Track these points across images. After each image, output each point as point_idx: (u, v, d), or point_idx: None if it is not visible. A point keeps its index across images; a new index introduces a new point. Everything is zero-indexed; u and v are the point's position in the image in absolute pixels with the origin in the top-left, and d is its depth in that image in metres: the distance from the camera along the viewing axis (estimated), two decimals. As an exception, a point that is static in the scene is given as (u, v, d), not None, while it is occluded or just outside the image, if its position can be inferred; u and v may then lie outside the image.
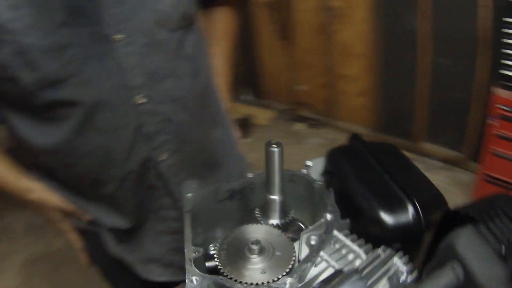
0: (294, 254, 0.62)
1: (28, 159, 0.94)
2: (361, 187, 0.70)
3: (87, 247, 1.07)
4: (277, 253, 0.63)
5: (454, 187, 2.79)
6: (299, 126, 3.89)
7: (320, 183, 0.75)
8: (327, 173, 0.80)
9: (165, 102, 0.88)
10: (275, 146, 0.66)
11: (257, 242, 0.63)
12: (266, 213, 0.72)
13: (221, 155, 1.13)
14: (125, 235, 1.03)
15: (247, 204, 0.79)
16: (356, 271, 0.53)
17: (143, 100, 0.84)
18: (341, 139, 3.53)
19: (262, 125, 4.00)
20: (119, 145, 0.86)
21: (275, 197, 0.70)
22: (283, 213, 0.72)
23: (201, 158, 1.06)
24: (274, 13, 3.55)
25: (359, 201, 0.69)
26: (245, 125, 3.93)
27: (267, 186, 0.70)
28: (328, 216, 0.66)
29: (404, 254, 0.62)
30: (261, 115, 4.08)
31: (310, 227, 0.66)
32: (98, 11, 0.75)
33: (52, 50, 0.72)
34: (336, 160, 0.78)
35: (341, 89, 3.47)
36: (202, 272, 0.61)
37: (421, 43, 2.65)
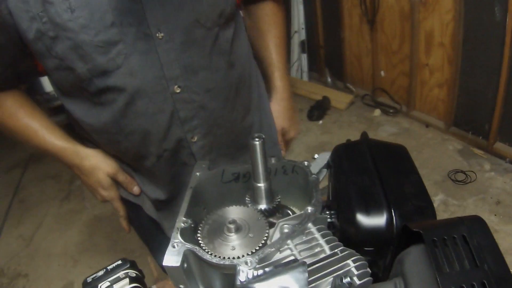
0: (265, 238, 0.66)
1: (83, 134, 1.07)
2: (349, 185, 0.71)
3: (129, 214, 1.19)
4: (250, 235, 0.67)
5: (516, 192, 2.56)
6: (376, 113, 3.76)
7: (315, 176, 0.76)
8: (328, 167, 0.81)
9: (198, 92, 0.96)
10: (257, 139, 0.69)
11: (233, 221, 0.67)
12: (254, 199, 0.75)
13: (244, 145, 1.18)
14: (162, 204, 1.15)
15: (251, 187, 0.83)
16: (303, 263, 0.55)
17: (179, 90, 0.95)
18: (415, 129, 3.40)
19: (339, 109, 3.93)
20: (157, 127, 0.96)
21: (261, 184, 0.73)
22: (270, 199, 0.75)
23: (231, 141, 1.13)
24: (362, -4, 3.42)
25: (342, 199, 0.70)
26: (322, 107, 3.90)
27: (253, 175, 0.73)
28: (309, 209, 0.68)
29: (374, 259, 0.63)
30: (340, 98, 4.01)
31: (289, 216, 0.69)
32: (143, 12, 0.83)
33: (102, 46, 0.82)
34: (338, 156, 0.79)
35: (422, 78, 3.29)
36: (188, 241, 0.67)
37: (510, 37, 2.41)
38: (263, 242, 0.65)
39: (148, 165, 1.03)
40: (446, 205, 2.59)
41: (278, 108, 1.24)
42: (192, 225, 0.72)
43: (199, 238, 0.68)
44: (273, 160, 0.83)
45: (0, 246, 3.07)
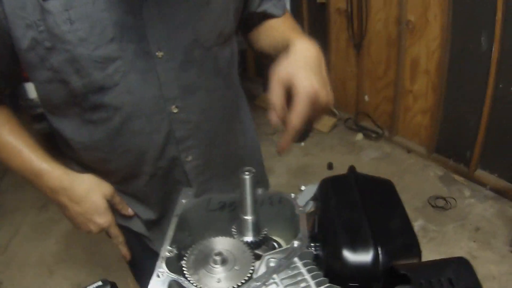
0: (250, 271, 0.65)
1: (67, 151, 1.01)
2: (336, 220, 0.70)
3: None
4: (236, 267, 0.66)
5: (498, 219, 2.60)
6: (358, 137, 3.80)
7: (301, 209, 0.76)
8: (315, 200, 0.81)
9: (195, 112, 0.94)
10: (247, 173, 0.69)
11: (220, 253, 0.66)
12: (241, 231, 0.74)
13: (244, 160, 1.17)
14: (153, 224, 1.12)
15: (237, 217, 0.82)
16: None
17: (176, 110, 0.93)
18: (397, 154, 3.43)
19: (322, 131, 3.96)
20: (152, 146, 0.93)
21: (248, 217, 0.73)
22: (256, 231, 0.74)
23: (225, 161, 1.11)
24: (349, 21, 3.48)
25: (329, 233, 0.69)
26: (304, 129, 3.90)
27: (241, 208, 0.73)
28: (295, 243, 0.68)
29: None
30: (323, 121, 4.03)
31: (275, 250, 0.68)
32: (144, 29, 0.80)
33: (100, 61, 0.79)
34: (325, 189, 0.79)
35: (405, 104, 3.34)
36: (173, 270, 0.66)
37: (494, 67, 2.47)
38: (248, 275, 0.64)
39: (140, 184, 1.00)
40: (425, 230, 2.61)
41: (304, 63, 0.74)
42: (177, 253, 0.71)
43: (184, 269, 0.67)
44: (260, 191, 0.83)
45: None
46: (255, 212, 0.73)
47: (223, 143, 1.05)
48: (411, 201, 2.84)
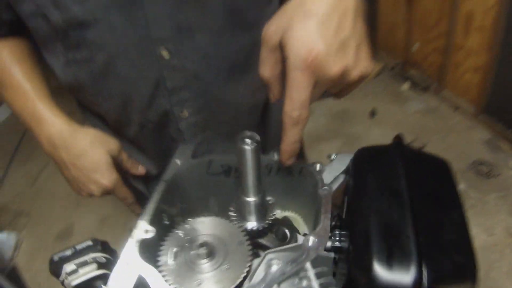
0: (243, 275, 0.47)
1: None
2: (370, 213, 0.50)
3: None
4: (226, 265, 0.48)
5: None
6: (404, 86, 3.48)
7: (326, 189, 0.56)
8: (347, 174, 0.60)
9: (193, 58, 0.76)
10: (249, 142, 0.48)
11: (205, 244, 0.49)
12: (241, 213, 0.56)
13: (255, 122, 0.96)
14: (152, 179, 0.96)
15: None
16: None
17: (167, 55, 0.74)
18: (443, 110, 3.12)
19: (365, 78, 3.64)
20: (139, 95, 0.79)
21: (250, 199, 0.53)
22: (261, 215, 0.55)
23: (228, 123, 0.91)
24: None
25: (358, 229, 0.50)
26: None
27: (241, 187, 0.53)
28: (310, 240, 0.49)
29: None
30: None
31: (281, 247, 0.49)
32: None
33: None
34: (361, 164, 0.58)
35: (456, 59, 2.98)
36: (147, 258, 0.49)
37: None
38: (240, 280, 0.46)
39: (131, 134, 0.87)
40: (465, 197, 2.37)
41: (306, 11, 0.47)
42: (156, 235, 0.54)
43: (159, 260, 0.50)
44: (275, 156, 0.63)
45: (6, 183, 2.99)
46: (260, 193, 0.53)
47: (232, 98, 0.85)
48: (454, 162, 2.55)
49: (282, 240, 0.57)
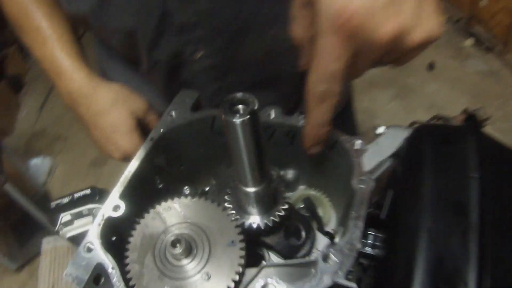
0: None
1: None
2: (420, 231, 0.33)
3: None
4: (204, 274, 0.33)
5: None
6: (467, 43, 3.10)
7: (364, 179, 0.39)
8: (399, 159, 0.42)
9: None
10: (239, 110, 0.31)
11: (180, 241, 0.34)
12: (240, 205, 0.39)
13: (294, 68, 0.79)
14: None
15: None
16: None
17: None
18: (506, 75, 2.76)
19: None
20: (142, 30, 0.67)
21: (249, 189, 0.36)
22: (266, 208, 0.39)
23: (257, 67, 0.74)
24: None
25: (401, 252, 0.33)
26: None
27: (235, 173, 0.37)
28: (329, 259, 0.33)
29: None
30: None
31: (286, 262, 0.33)
32: None
33: None
34: (419, 150, 0.40)
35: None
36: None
37: None
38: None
39: (143, 72, 0.76)
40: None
41: None
42: (129, 211, 0.40)
43: (126, 251, 0.36)
44: (301, 120, 0.46)
45: (46, 108, 2.98)
46: (262, 179, 0.37)
47: (260, 36, 0.68)
48: (509, 133, 2.29)
49: (294, 242, 0.41)
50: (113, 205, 0.40)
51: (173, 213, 0.39)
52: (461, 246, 0.31)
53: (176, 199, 0.40)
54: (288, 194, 0.56)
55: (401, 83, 2.72)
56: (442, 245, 0.32)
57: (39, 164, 2.33)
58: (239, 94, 0.31)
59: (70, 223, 0.74)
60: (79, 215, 0.66)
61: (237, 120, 0.30)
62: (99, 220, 0.40)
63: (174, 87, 0.74)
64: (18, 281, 1.96)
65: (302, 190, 0.56)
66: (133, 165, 0.44)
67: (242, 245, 0.35)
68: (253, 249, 0.40)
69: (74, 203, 0.72)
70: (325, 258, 0.33)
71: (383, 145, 0.42)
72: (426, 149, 0.37)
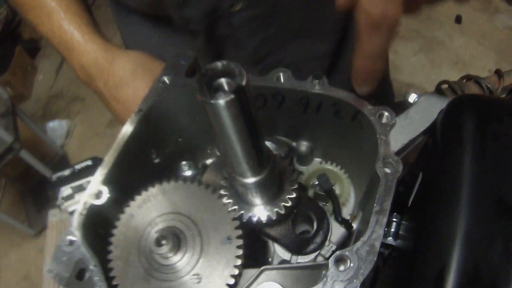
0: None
1: None
2: (456, 229, 0.26)
3: None
4: (194, 276, 0.28)
5: None
6: (498, -6, 2.87)
7: (391, 165, 0.31)
8: (432, 137, 0.35)
9: None
10: (224, 88, 0.25)
11: (166, 237, 0.28)
12: (240, 195, 0.33)
13: (321, 16, 0.72)
14: None
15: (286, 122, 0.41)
16: None
17: None
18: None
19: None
20: None
21: (247, 180, 0.30)
22: (270, 197, 0.32)
23: (291, 15, 0.68)
24: None
25: (432, 251, 0.27)
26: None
27: (227, 163, 0.30)
28: (344, 266, 0.26)
29: None
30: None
31: (289, 265, 0.27)
32: None
33: None
34: (459, 127, 0.32)
35: None
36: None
37: None
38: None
39: (177, 35, 0.72)
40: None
41: None
42: (115, 196, 0.34)
43: (109, 245, 0.31)
44: (316, 85, 0.38)
45: (62, 70, 2.93)
46: (263, 166, 0.30)
47: None
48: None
49: (303, 233, 0.34)
50: (95, 191, 0.34)
51: (161, 201, 0.33)
52: (503, 256, 0.25)
53: (165, 183, 0.34)
54: (301, 168, 0.50)
55: (427, 35, 2.55)
56: (480, 253, 0.25)
57: (56, 127, 2.32)
58: (220, 64, 0.24)
59: (71, 197, 0.71)
60: (80, 189, 0.65)
61: (220, 102, 0.23)
62: (80, 208, 0.34)
63: (212, 45, 0.68)
64: (37, 246, 2.00)
65: (317, 164, 0.49)
66: (120, 142, 0.38)
67: (240, 242, 0.29)
68: (255, 242, 0.34)
69: (75, 175, 0.70)
70: (338, 262, 0.27)
71: (414, 118, 0.34)
72: (467, 127, 0.29)
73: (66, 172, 0.75)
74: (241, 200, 0.32)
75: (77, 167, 0.75)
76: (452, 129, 0.30)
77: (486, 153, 0.28)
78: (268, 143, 0.37)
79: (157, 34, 0.71)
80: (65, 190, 0.69)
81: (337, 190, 0.47)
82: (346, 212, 0.44)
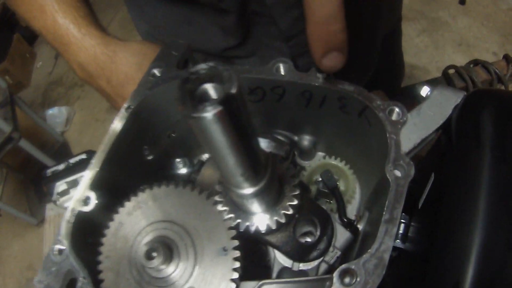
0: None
1: None
2: (478, 231, 0.24)
3: None
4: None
5: None
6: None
7: (399, 174, 0.29)
8: (446, 134, 0.32)
9: None
10: (211, 97, 0.21)
11: (155, 249, 0.26)
12: (235, 203, 0.30)
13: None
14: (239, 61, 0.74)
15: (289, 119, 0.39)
16: None
17: None
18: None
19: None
20: None
21: (245, 191, 0.27)
22: (270, 204, 0.30)
23: None
24: None
25: (449, 260, 0.24)
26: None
27: (221, 175, 0.27)
28: (349, 280, 0.24)
29: None
30: None
31: (290, 280, 0.25)
32: None
33: None
34: (477, 125, 0.29)
35: None
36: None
37: None
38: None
39: (203, 16, 0.66)
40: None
41: None
42: (111, 199, 0.32)
43: (101, 251, 0.29)
44: (320, 76, 0.35)
45: (61, 56, 2.89)
46: (261, 175, 0.27)
47: None
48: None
49: (305, 240, 0.32)
50: (83, 197, 0.32)
51: (152, 208, 0.30)
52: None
53: (155, 188, 0.31)
54: (304, 163, 0.48)
55: (430, 16, 2.48)
56: (498, 266, 0.23)
57: (56, 114, 2.28)
58: (206, 66, 0.20)
59: (67, 192, 0.69)
60: (75, 184, 0.64)
61: (206, 115, 0.19)
62: (68, 216, 0.32)
63: (242, 22, 0.64)
64: (40, 236, 1.98)
65: (320, 158, 0.46)
66: (107, 143, 0.35)
67: (237, 254, 0.27)
68: (253, 252, 0.32)
69: (70, 170, 0.69)
70: (343, 275, 0.24)
71: (427, 115, 0.31)
72: (486, 126, 0.26)
73: (61, 167, 0.73)
74: (238, 207, 0.29)
75: (72, 161, 0.73)
76: (469, 128, 0.28)
77: (506, 157, 0.25)
78: (266, 142, 0.34)
79: (174, 12, 0.65)
80: (60, 185, 0.68)
81: (341, 186, 0.44)
82: (351, 211, 0.41)
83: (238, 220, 0.29)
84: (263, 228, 0.29)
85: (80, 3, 0.56)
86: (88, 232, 0.32)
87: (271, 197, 0.29)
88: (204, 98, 0.20)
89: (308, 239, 0.32)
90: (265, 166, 0.26)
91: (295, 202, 0.29)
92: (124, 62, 0.54)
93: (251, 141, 0.22)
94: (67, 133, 2.32)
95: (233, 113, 0.20)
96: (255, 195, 0.26)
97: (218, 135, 0.20)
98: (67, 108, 2.38)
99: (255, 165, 0.24)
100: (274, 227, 0.29)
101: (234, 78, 0.19)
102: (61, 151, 2.01)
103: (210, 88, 0.20)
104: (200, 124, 0.20)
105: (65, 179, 0.68)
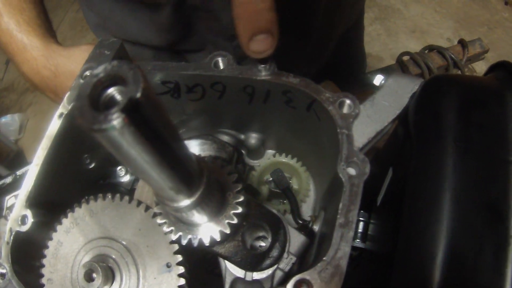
0: None
1: None
2: (445, 230, 0.21)
3: None
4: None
5: None
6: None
7: (353, 173, 0.26)
8: (403, 125, 0.30)
9: None
10: (116, 101, 0.17)
11: (94, 272, 0.23)
12: (176, 216, 0.27)
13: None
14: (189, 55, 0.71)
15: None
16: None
17: None
18: (492, 1, 2.58)
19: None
20: None
21: (179, 204, 0.23)
22: (212, 213, 0.27)
23: None
24: None
25: (414, 264, 0.22)
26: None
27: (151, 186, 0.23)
28: None
29: None
30: None
31: None
32: None
33: None
34: (437, 115, 0.27)
35: None
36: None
37: None
38: None
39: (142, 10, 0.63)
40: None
41: None
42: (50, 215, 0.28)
43: (42, 273, 0.25)
44: (262, 69, 0.32)
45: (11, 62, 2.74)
46: (192, 186, 0.23)
47: None
48: (495, 59, 2.16)
49: (256, 248, 0.29)
50: (19, 216, 0.28)
51: (89, 224, 0.27)
52: (493, 268, 0.20)
53: (92, 202, 0.27)
54: (253, 163, 0.44)
55: (382, 4, 2.51)
56: (468, 265, 0.21)
57: (9, 122, 2.16)
58: (109, 67, 0.17)
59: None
60: None
61: (106, 126, 0.15)
62: (7, 237, 0.28)
63: (180, 17, 0.61)
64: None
65: (270, 156, 0.43)
66: (40, 156, 0.31)
67: (181, 270, 0.24)
68: (204, 259, 0.29)
69: (18, 183, 0.67)
70: (298, 287, 0.22)
71: (381, 105, 0.29)
72: (447, 114, 0.24)
73: (8, 180, 0.69)
74: (178, 220, 0.26)
75: (19, 173, 0.69)
76: (429, 118, 0.25)
77: (471, 148, 0.23)
78: (205, 144, 0.31)
79: (119, 6, 0.64)
80: (9, 200, 0.64)
81: (294, 185, 0.42)
82: (306, 210, 0.39)
83: (180, 233, 0.26)
84: (207, 241, 0.26)
85: (27, 4, 0.54)
86: (33, 254, 0.28)
87: (212, 207, 0.26)
88: (110, 105, 0.16)
89: (260, 246, 0.29)
90: (200, 174, 0.23)
91: (240, 210, 0.26)
92: (68, 76, 0.54)
93: (174, 148, 0.19)
94: (21, 141, 2.20)
95: (142, 119, 0.16)
96: (192, 207, 0.23)
97: (129, 148, 0.17)
98: (20, 115, 2.25)
99: (184, 175, 0.21)
100: (219, 238, 0.26)
101: (139, 79, 0.15)
102: (16, 160, 1.90)
103: (116, 93, 0.17)
104: (104, 137, 0.16)
105: (14, 193, 0.64)
